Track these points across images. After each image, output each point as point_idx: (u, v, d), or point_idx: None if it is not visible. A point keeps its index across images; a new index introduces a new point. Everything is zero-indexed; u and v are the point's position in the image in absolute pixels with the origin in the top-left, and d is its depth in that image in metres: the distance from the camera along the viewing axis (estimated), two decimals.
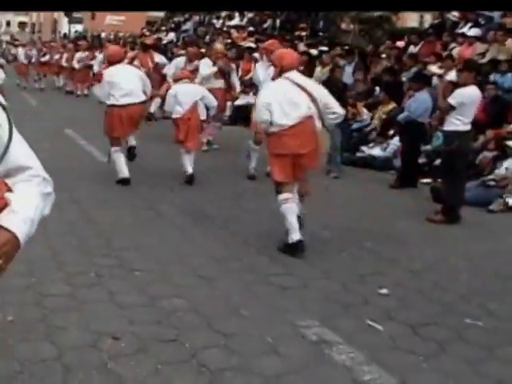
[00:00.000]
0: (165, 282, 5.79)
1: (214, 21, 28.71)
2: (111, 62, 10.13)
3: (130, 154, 10.34)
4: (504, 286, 6.28)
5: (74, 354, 4.32)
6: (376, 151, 12.10)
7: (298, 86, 6.81)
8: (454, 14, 15.99)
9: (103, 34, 45.07)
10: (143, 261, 6.33)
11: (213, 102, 10.37)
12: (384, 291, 5.83)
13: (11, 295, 5.06)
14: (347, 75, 14.70)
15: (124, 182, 9.63)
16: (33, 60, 28.33)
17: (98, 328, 4.72)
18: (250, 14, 26.28)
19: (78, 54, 25.05)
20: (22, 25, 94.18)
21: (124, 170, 9.69)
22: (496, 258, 7.12)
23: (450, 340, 4.90)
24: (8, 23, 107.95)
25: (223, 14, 28.60)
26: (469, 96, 8.22)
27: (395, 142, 11.68)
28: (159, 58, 16.81)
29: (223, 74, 12.97)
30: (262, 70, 10.68)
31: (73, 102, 22.75)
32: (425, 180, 10.61)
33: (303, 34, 21.23)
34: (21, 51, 28.83)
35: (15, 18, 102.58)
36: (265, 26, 24.41)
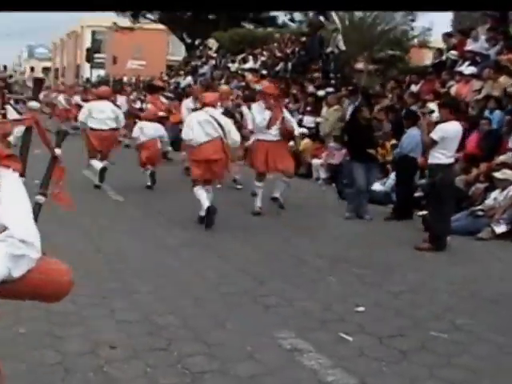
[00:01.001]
0: (161, 302, 6.40)
1: (230, 64, 29.62)
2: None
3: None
4: (478, 305, 6.79)
5: (75, 359, 4.94)
6: (376, 186, 12.65)
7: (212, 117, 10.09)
8: (453, 53, 16.62)
9: (125, 78, 46.06)
10: (143, 284, 6.95)
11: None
12: (361, 309, 6.40)
13: (24, 312, 5.70)
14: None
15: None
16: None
17: (98, 338, 5.35)
18: (263, 58, 27.13)
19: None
20: (45, 70, 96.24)
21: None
22: (477, 282, 7.67)
23: (412, 349, 5.46)
24: (32, 69, 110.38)
25: (238, 57, 29.51)
26: (450, 131, 8.81)
27: (393, 177, 12.28)
28: (163, 100, 17.74)
29: (231, 114, 13.48)
30: (257, 112, 11.25)
31: None
32: (421, 212, 11.03)
33: (315, 75, 21.90)
34: (61, 97, 29.68)
35: (39, 63, 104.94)
36: (277, 68, 25.19)
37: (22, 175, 2.50)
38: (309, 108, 17.88)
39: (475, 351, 5.45)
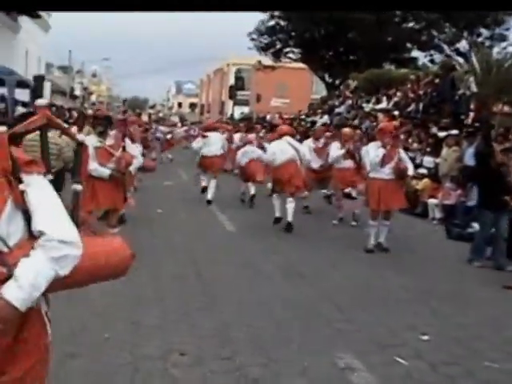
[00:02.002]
0: (238, 318, 7.04)
1: (364, 104, 30.12)
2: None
3: None
4: None
5: (145, 362, 5.67)
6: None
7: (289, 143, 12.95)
8: None
9: (268, 116, 47.12)
10: (227, 303, 7.62)
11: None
12: (425, 338, 6.77)
13: (111, 321, 6.50)
14: (468, 156, 15.50)
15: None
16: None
17: (171, 347, 6.06)
18: (396, 98, 27.44)
19: (237, 135, 26.48)
20: (192, 106, 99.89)
21: None
22: None
23: (461, 376, 5.81)
24: (179, 104, 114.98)
25: (373, 98, 29.96)
26: None
27: None
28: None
29: (353, 155, 13.85)
30: (372, 150, 11.48)
31: (224, 178, 24.10)
32: None
33: (443, 117, 21.99)
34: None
35: (187, 99, 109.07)
36: (409, 109, 25.42)
37: (46, 172, 2.78)
38: (429, 149, 18.12)
39: None
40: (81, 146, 3.71)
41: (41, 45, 49.31)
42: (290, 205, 12.86)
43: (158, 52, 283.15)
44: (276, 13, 43.80)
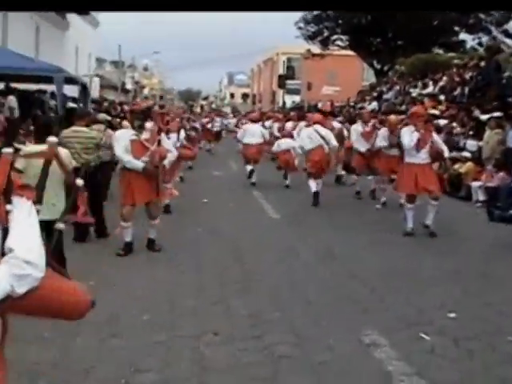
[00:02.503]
0: (273, 301, 7.38)
1: (411, 90, 30.09)
2: None
3: None
4: None
5: (179, 340, 6.07)
6: None
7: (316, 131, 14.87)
8: None
9: (320, 104, 47.07)
10: (261, 285, 7.97)
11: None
12: (452, 315, 7.02)
13: (149, 303, 6.92)
14: (511, 138, 15.54)
15: None
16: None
17: (206, 327, 6.42)
18: (442, 83, 27.35)
19: (289, 124, 25.87)
20: (244, 96, 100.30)
21: None
22: None
23: (481, 349, 6.05)
24: (232, 95, 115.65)
25: (420, 83, 29.91)
26: None
27: None
28: (335, 123, 18.62)
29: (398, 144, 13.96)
30: (405, 135, 11.55)
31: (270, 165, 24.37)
32: None
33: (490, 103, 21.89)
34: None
35: (239, 90, 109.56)
36: (455, 93, 25.36)
37: (36, 202, 2.89)
38: (471, 132, 18.15)
39: None
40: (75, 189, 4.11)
41: (90, 41, 50.20)
42: (319, 181, 15.05)
43: (208, 43, 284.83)
44: None
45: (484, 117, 18.08)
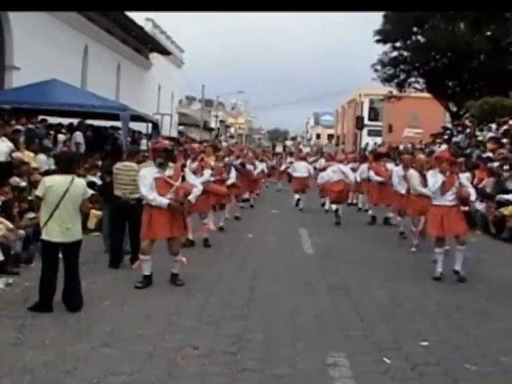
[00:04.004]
0: (256, 321, 8.07)
1: (478, 133, 30.23)
2: None
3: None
4: None
5: (161, 352, 6.85)
6: None
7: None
8: None
9: (401, 146, 47.23)
10: (257, 312, 8.66)
11: None
12: (425, 343, 7.53)
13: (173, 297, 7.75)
14: None
15: None
16: None
17: (192, 343, 7.17)
18: (506, 126, 27.44)
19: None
20: (330, 137, 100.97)
21: None
22: None
23: (434, 374, 6.60)
24: (318, 136, 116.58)
25: (486, 126, 30.05)
26: None
27: None
28: (390, 166, 18.97)
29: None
30: (430, 178, 11.78)
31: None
32: None
33: None
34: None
35: (325, 130, 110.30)
36: None
37: None
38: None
39: None
40: None
41: (174, 80, 52.20)
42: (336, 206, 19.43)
43: (293, 83, 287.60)
44: (398, 43, 44.43)
45: None
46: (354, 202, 24.45)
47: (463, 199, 11.73)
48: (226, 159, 17.38)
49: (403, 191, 15.49)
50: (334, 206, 19.73)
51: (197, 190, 10.47)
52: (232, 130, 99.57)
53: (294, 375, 6.38)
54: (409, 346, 7.47)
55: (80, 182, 8.55)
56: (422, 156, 15.53)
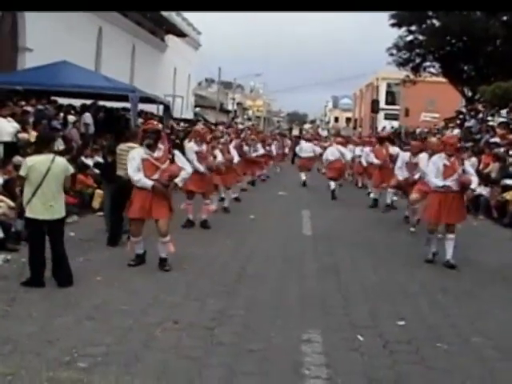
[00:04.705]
0: (240, 304, 8.32)
1: (489, 118, 30.18)
2: None
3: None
4: None
5: (141, 326, 7.13)
6: None
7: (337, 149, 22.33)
8: None
9: (418, 130, 47.06)
10: (243, 290, 8.90)
11: None
12: (401, 323, 7.76)
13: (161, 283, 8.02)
14: None
15: None
16: None
17: (173, 318, 7.43)
18: None
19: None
20: (348, 121, 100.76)
21: None
22: None
23: (403, 352, 6.80)
24: (336, 119, 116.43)
25: (498, 111, 30.02)
26: None
27: None
28: (393, 149, 19.00)
29: None
30: (432, 162, 11.65)
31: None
32: None
33: None
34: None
35: (343, 114, 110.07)
36: None
37: None
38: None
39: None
40: None
41: (191, 62, 52.35)
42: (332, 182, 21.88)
43: (311, 65, 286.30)
44: (413, 27, 44.22)
45: None
46: (362, 185, 25.72)
47: (464, 186, 11.44)
48: (222, 140, 17.48)
49: (401, 178, 15.40)
50: (332, 184, 21.85)
51: (185, 173, 10.36)
52: (250, 112, 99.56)
53: (266, 350, 6.61)
54: (385, 325, 7.69)
55: (61, 161, 8.85)
56: (433, 139, 15.53)
